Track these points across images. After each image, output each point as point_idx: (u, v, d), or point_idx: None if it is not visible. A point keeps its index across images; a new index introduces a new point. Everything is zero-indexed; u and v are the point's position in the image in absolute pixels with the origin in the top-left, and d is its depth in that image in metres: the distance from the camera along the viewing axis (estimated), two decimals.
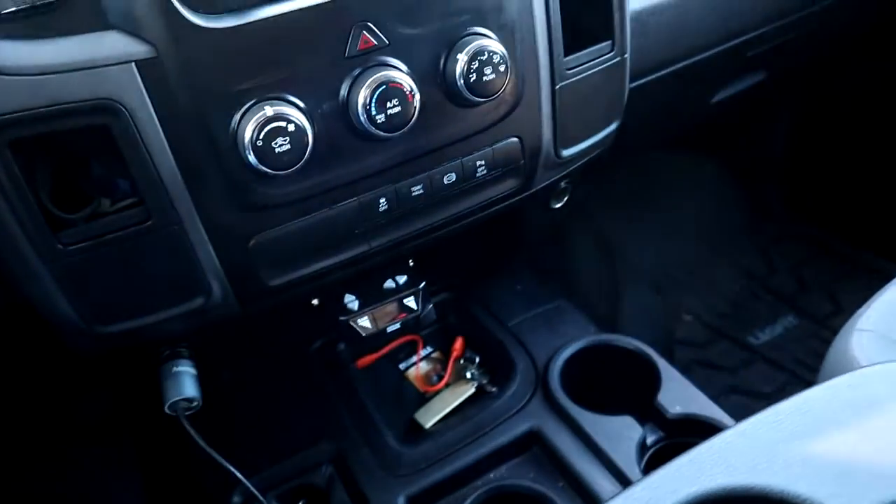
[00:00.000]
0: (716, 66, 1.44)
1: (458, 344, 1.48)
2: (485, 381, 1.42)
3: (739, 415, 1.28)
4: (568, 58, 1.04)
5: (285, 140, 0.81)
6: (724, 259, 2.29)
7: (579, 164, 1.19)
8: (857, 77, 2.03)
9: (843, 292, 2.13)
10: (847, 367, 1.11)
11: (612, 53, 1.09)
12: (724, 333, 2.07)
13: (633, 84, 1.20)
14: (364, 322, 1.18)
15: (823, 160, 2.27)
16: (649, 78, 1.30)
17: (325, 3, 0.82)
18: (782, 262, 2.25)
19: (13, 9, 0.73)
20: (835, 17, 1.58)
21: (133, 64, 0.77)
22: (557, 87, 1.04)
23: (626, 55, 1.12)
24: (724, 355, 2.01)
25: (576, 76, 1.06)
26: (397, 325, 1.20)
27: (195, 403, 1.07)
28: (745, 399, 1.87)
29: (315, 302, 1.23)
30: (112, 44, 0.77)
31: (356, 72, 0.85)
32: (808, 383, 1.86)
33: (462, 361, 1.47)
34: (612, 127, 1.19)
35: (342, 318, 1.18)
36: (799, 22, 1.48)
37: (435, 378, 1.46)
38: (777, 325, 2.08)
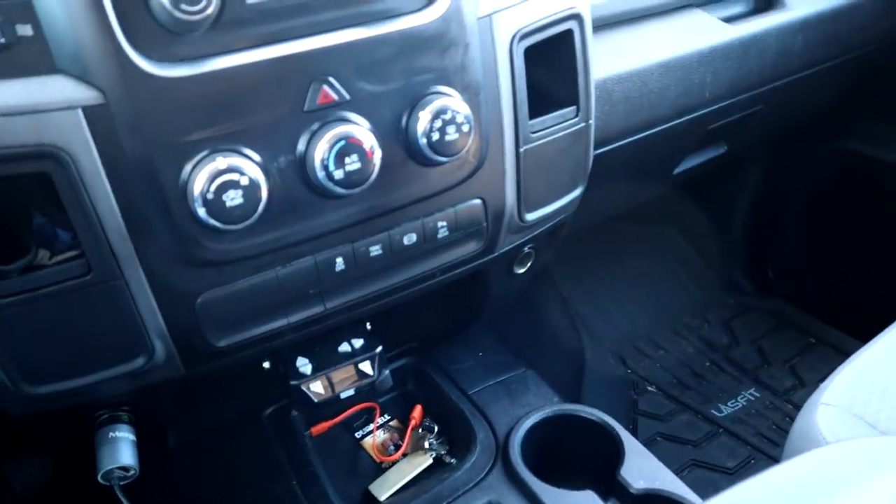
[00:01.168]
0: (677, 138, 1.46)
1: (417, 412, 1.43)
2: (443, 452, 1.37)
3: (703, 490, 1.25)
4: (533, 121, 1.04)
5: (237, 193, 0.78)
6: (687, 330, 2.28)
7: (543, 228, 1.17)
8: (820, 154, 2.08)
9: (805, 366, 2.13)
10: (812, 441, 1.09)
11: (577, 118, 1.09)
12: (686, 405, 2.04)
13: (598, 151, 1.20)
14: (317, 387, 1.13)
15: (786, 234, 2.30)
16: (613, 146, 1.30)
17: (285, 55, 0.80)
18: (745, 334, 2.25)
19: None
20: (795, 93, 1.62)
21: (80, 110, 0.74)
22: (522, 149, 1.03)
23: (590, 121, 1.12)
24: (687, 428, 1.97)
25: (540, 139, 1.05)
26: (352, 392, 1.15)
27: (132, 472, 1.01)
28: (709, 473, 1.83)
29: (266, 365, 1.18)
30: (59, 88, 0.73)
31: (315, 126, 0.83)
32: (771, 458, 1.82)
33: (420, 431, 1.41)
34: (577, 192, 1.18)
35: (294, 382, 1.12)
36: (759, 97, 1.52)
37: (392, 448, 1.40)
38: (739, 398, 2.07)
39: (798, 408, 1.97)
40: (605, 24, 1.25)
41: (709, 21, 1.36)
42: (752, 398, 2.05)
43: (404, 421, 1.44)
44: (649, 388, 2.10)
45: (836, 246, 2.18)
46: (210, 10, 0.74)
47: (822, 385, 1.20)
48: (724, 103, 1.44)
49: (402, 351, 1.50)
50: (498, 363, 1.53)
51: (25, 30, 0.72)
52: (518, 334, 1.78)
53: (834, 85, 1.76)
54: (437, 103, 0.87)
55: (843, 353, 2.12)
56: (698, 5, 1.38)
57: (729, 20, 1.40)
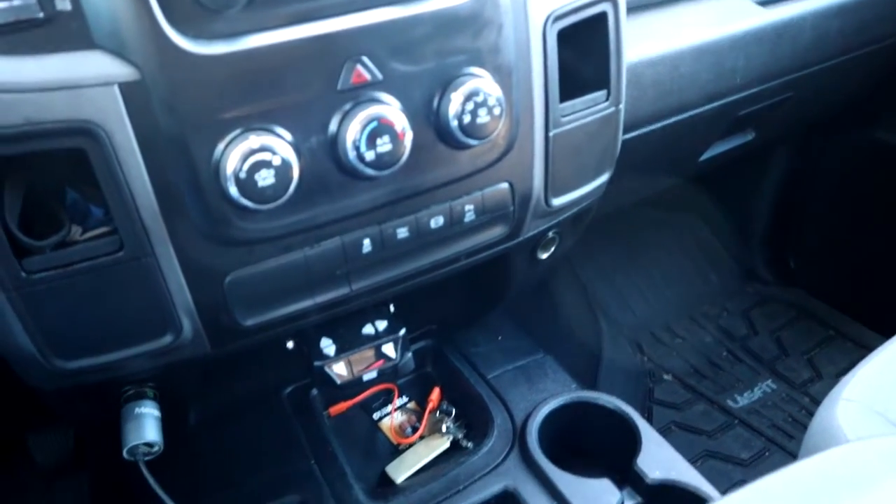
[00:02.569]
0: (706, 124, 1.44)
1: (435, 395, 1.43)
2: (460, 436, 1.37)
3: (717, 481, 1.24)
4: (563, 105, 1.02)
5: (269, 173, 0.78)
6: (706, 319, 2.27)
7: (569, 213, 1.17)
8: (847, 143, 2.05)
9: (823, 359, 2.12)
10: (832, 437, 1.08)
11: (607, 103, 1.08)
12: (702, 395, 2.04)
13: (625, 136, 1.19)
14: (339, 369, 1.13)
15: (809, 224, 2.28)
16: (641, 131, 1.29)
17: (320, 34, 0.79)
18: (763, 324, 2.24)
19: None
20: (827, 81, 1.60)
21: (116, 86, 0.74)
22: (551, 133, 1.02)
23: (620, 106, 1.10)
24: (703, 418, 1.97)
25: (570, 124, 1.04)
26: (374, 374, 1.15)
27: (156, 448, 1.01)
28: (723, 465, 1.83)
29: (290, 345, 1.18)
30: (96, 64, 0.73)
31: (347, 106, 0.82)
32: (786, 451, 1.82)
33: (438, 414, 1.42)
34: (604, 178, 1.17)
35: (317, 363, 1.13)
36: (790, 84, 1.49)
37: (409, 430, 1.41)
38: (756, 389, 2.06)
39: (815, 401, 1.98)
40: (637, 5, 1.23)
41: (743, 4, 1.34)
42: (769, 389, 2.04)
43: (422, 403, 1.45)
44: (665, 377, 2.10)
45: (860, 238, 2.15)
46: None
47: (843, 380, 1.18)
48: (754, 89, 1.42)
49: (421, 333, 1.50)
50: (516, 348, 1.52)
51: (64, 4, 0.71)
52: (535, 318, 1.77)
53: (866, 73, 1.73)
54: (470, 85, 0.86)
55: (863, 347, 2.13)
56: None
57: (763, 3, 1.37)
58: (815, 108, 1.84)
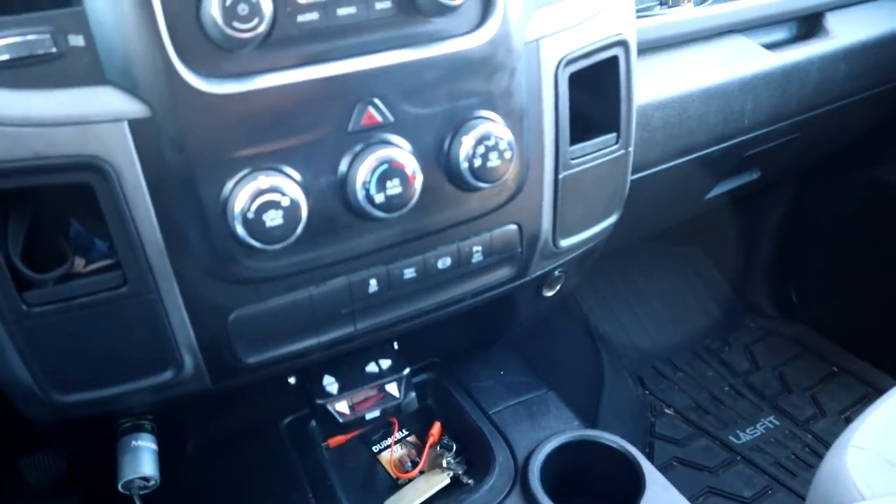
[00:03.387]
0: (713, 164, 1.44)
1: (436, 429, 1.42)
2: (461, 472, 1.35)
3: None
4: (573, 147, 1.02)
5: (278, 214, 0.77)
6: (708, 353, 2.26)
7: (576, 254, 1.16)
8: (851, 181, 2.05)
9: (826, 395, 2.11)
10: (842, 486, 1.06)
11: (617, 146, 1.08)
12: (704, 430, 2.02)
13: (633, 176, 1.18)
14: (342, 407, 1.12)
15: (812, 259, 2.27)
16: (649, 171, 1.29)
17: (332, 76, 0.79)
18: (766, 359, 2.23)
19: (8, 56, 0.69)
20: (832, 122, 1.60)
21: (126, 123, 0.74)
22: (561, 176, 1.02)
23: (630, 148, 1.10)
24: (705, 454, 1.95)
25: (579, 166, 1.04)
26: (377, 413, 1.14)
27: (152, 483, 1.00)
28: (726, 502, 1.81)
29: (292, 380, 1.17)
30: (106, 100, 0.73)
31: (358, 148, 0.82)
32: (789, 489, 1.79)
33: (438, 448, 1.40)
34: (612, 219, 1.17)
35: (320, 401, 1.11)
36: (797, 125, 1.50)
37: (409, 464, 1.39)
38: (758, 425, 2.04)
39: (819, 439, 1.96)
40: (647, 48, 1.23)
41: (751, 48, 1.34)
42: (772, 426, 2.03)
43: (422, 437, 1.43)
44: (667, 411, 2.08)
45: (863, 274, 2.15)
46: (261, 28, 0.73)
47: (852, 426, 1.17)
48: (762, 131, 1.42)
49: (423, 366, 1.49)
50: (519, 383, 1.51)
51: (77, 40, 0.71)
52: (537, 348, 1.76)
53: (870, 114, 1.74)
54: (481, 129, 0.86)
55: (866, 384, 2.12)
56: (740, 31, 1.36)
57: (771, 47, 1.38)
58: (821, 148, 1.84)
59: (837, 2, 1.44)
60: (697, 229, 2.28)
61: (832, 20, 1.44)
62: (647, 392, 2.13)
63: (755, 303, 2.39)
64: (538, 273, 1.12)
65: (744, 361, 2.24)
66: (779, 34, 1.44)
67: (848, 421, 2.00)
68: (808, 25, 1.45)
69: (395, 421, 1.43)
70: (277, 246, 0.79)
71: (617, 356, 2.12)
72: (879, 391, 2.05)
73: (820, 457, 1.90)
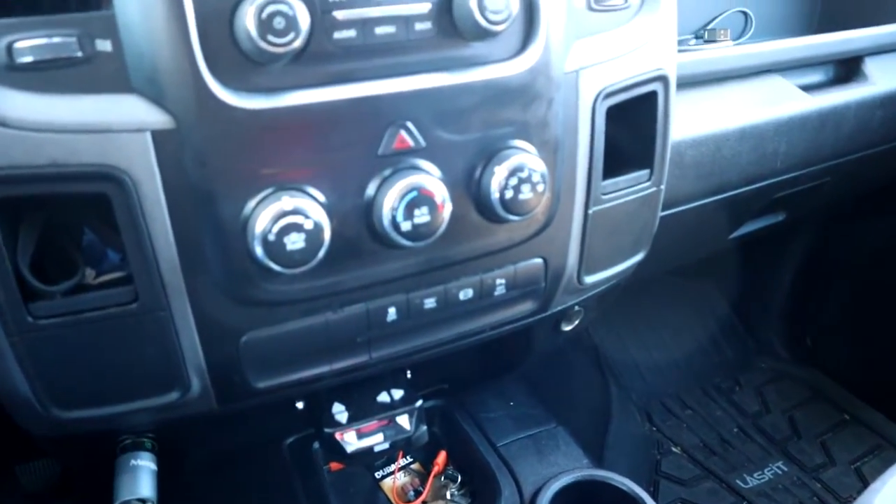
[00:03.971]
0: (741, 205, 1.41)
1: (441, 458, 1.38)
2: None
3: None
4: (605, 182, 0.99)
5: (300, 237, 0.74)
6: (718, 392, 2.22)
7: (599, 290, 1.12)
8: (874, 228, 2.02)
9: (837, 444, 2.05)
10: None
11: (649, 183, 1.05)
12: (711, 472, 1.97)
13: (662, 214, 1.15)
14: (350, 437, 1.08)
15: (830, 304, 2.23)
16: (677, 209, 1.25)
17: (365, 96, 0.76)
18: (776, 402, 2.18)
19: (31, 59, 0.66)
20: (865, 168, 1.57)
21: (149, 133, 0.71)
22: (591, 210, 0.98)
23: (662, 186, 1.07)
24: (710, 497, 1.90)
25: (610, 202, 1.01)
26: (386, 446, 1.10)
27: None
28: None
29: (300, 405, 1.13)
30: (130, 109, 0.70)
31: (387, 172, 0.79)
32: None
33: (443, 479, 1.36)
34: (639, 257, 1.13)
35: (328, 430, 1.07)
36: (829, 170, 1.46)
37: (412, 493, 1.35)
38: (766, 470, 1.99)
39: (827, 488, 1.91)
40: (683, 83, 1.19)
41: (788, 89, 1.31)
42: (780, 472, 1.98)
43: (427, 465, 1.39)
44: (674, 450, 2.03)
45: (881, 322, 2.10)
46: (297, 44, 0.70)
47: (873, 487, 1.12)
48: (794, 174, 1.39)
49: (431, 392, 1.45)
50: (528, 416, 1.47)
51: (105, 45, 0.68)
52: (545, 378, 1.73)
53: None
54: (515, 160, 0.83)
55: (878, 435, 2.07)
56: (778, 71, 1.32)
57: (807, 89, 1.35)
58: (850, 194, 1.81)
59: (878, 47, 1.41)
60: (713, 265, 2.24)
61: (871, 65, 1.41)
62: (654, 428, 2.09)
63: (768, 344, 2.34)
64: (559, 308, 1.08)
65: (754, 403, 2.19)
66: (816, 76, 1.41)
67: (858, 472, 1.95)
68: (847, 69, 1.42)
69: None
70: (297, 270, 0.76)
71: (626, 390, 2.08)
72: (892, 443, 2.02)
73: None
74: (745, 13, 1.59)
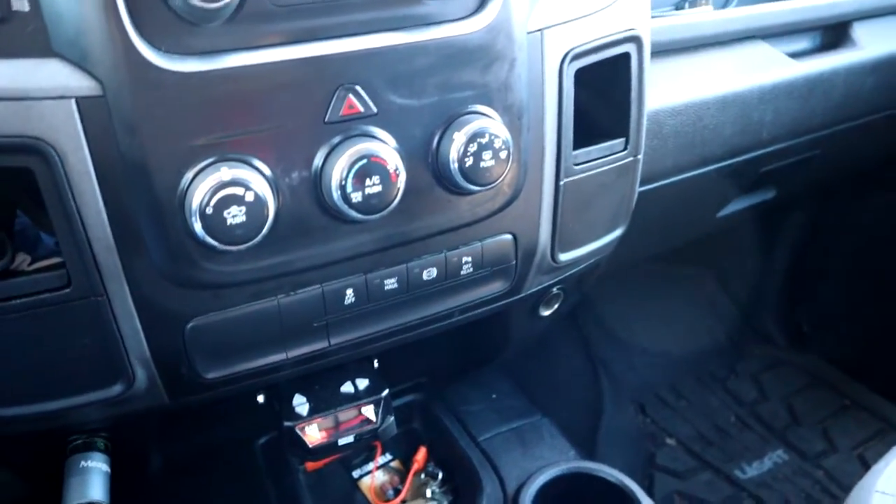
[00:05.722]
0: (727, 179, 1.35)
1: (421, 455, 1.33)
2: (446, 502, 1.26)
3: None
4: (577, 152, 0.93)
5: (240, 210, 0.68)
6: (713, 381, 2.16)
7: (576, 270, 1.07)
8: (869, 206, 1.96)
9: (838, 430, 2.00)
10: None
11: (625, 152, 0.99)
12: (708, 463, 1.92)
13: (641, 188, 1.10)
14: (313, 431, 1.02)
15: (826, 287, 2.18)
16: (658, 184, 1.20)
17: (310, 57, 0.71)
18: (774, 390, 2.13)
19: None
20: (855, 140, 1.51)
21: (73, 101, 0.66)
22: (562, 182, 0.93)
23: (639, 156, 1.01)
24: (708, 488, 1.85)
25: (583, 173, 0.95)
26: (350, 439, 1.04)
27: None
28: None
29: (260, 399, 1.07)
30: (52, 74, 0.65)
31: (335, 140, 0.73)
32: None
33: (423, 476, 1.31)
34: (617, 233, 1.07)
35: (288, 423, 1.01)
36: (818, 141, 1.41)
37: (391, 492, 1.30)
38: (766, 459, 1.94)
39: (830, 475, 1.86)
40: (661, 50, 1.14)
41: (773, 55, 1.26)
42: (780, 461, 1.92)
43: (406, 463, 1.34)
44: (668, 441, 1.98)
45: (878, 304, 2.06)
46: (231, 0, 0.64)
47: (875, 468, 1.07)
48: (781, 145, 1.34)
49: (409, 386, 1.39)
50: (511, 408, 1.42)
51: (21, 4, 0.63)
52: (532, 371, 1.67)
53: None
54: (475, 125, 0.77)
55: (880, 419, 2.01)
56: (762, 38, 1.27)
57: (793, 56, 1.29)
58: (841, 168, 1.75)
59: (866, 11, 1.36)
60: (705, 251, 2.19)
61: (860, 30, 1.35)
62: (648, 420, 2.03)
63: (764, 330, 2.29)
64: (534, 289, 1.03)
65: (751, 391, 2.13)
66: (802, 43, 1.36)
67: (861, 458, 1.90)
68: (835, 35, 1.36)
69: (378, 444, 1.33)
70: (240, 247, 0.70)
71: (617, 381, 2.03)
72: (894, 427, 1.96)
73: (832, 495, 1.80)
74: None
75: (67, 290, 0.73)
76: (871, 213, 1.98)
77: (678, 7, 1.35)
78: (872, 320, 2.09)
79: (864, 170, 1.85)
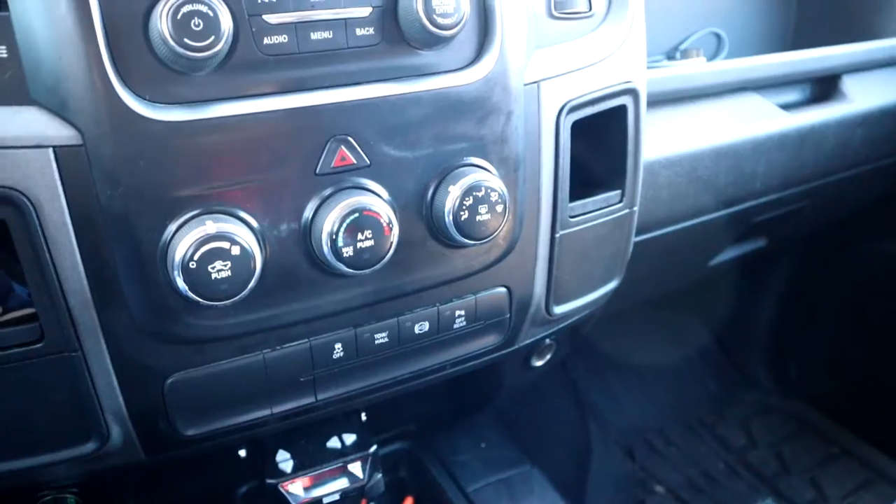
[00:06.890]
0: (720, 230, 1.34)
1: None
2: None
3: None
4: (573, 204, 0.92)
5: (225, 265, 0.65)
6: (702, 427, 2.13)
7: (570, 322, 1.04)
8: (857, 253, 1.96)
9: (828, 479, 1.97)
10: None
11: (621, 204, 0.98)
12: None
13: (636, 239, 1.08)
14: (296, 489, 0.98)
15: (814, 333, 2.17)
16: (652, 234, 1.18)
17: (302, 107, 0.68)
18: (763, 437, 2.10)
19: None
20: (846, 190, 1.51)
21: (51, 150, 0.63)
22: (558, 235, 0.91)
23: (635, 207, 1.00)
24: None
25: (579, 225, 0.93)
26: (336, 497, 1.00)
27: None
28: None
29: (242, 453, 1.03)
30: (28, 122, 0.63)
31: (326, 192, 0.71)
32: None
33: None
34: (612, 285, 1.06)
35: (271, 480, 0.97)
36: (809, 192, 1.40)
37: None
38: None
39: None
40: (655, 101, 1.13)
41: (766, 107, 1.25)
42: None
43: None
44: (657, 489, 1.94)
45: (868, 350, 2.04)
46: (218, 48, 0.62)
47: None
48: (773, 196, 1.33)
49: (396, 434, 1.35)
50: (501, 457, 1.38)
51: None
52: (521, 417, 1.64)
53: (885, 183, 1.65)
54: (470, 178, 0.75)
55: (870, 469, 1.99)
56: (754, 89, 1.27)
57: (784, 107, 1.29)
58: (830, 217, 1.75)
59: (855, 65, 1.37)
60: (693, 296, 2.18)
61: (849, 83, 1.36)
62: (637, 466, 1.99)
63: (752, 376, 2.27)
64: (527, 342, 1.00)
65: (740, 437, 2.11)
66: (793, 95, 1.36)
67: None
68: (824, 88, 1.37)
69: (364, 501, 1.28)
70: (225, 303, 0.67)
71: (606, 426, 1.99)
72: (884, 477, 1.94)
73: None
74: (717, 34, 1.54)
75: (40, 345, 0.69)
76: (857, 261, 1.98)
77: (670, 57, 1.35)
78: (860, 366, 2.07)
79: (852, 219, 1.86)
